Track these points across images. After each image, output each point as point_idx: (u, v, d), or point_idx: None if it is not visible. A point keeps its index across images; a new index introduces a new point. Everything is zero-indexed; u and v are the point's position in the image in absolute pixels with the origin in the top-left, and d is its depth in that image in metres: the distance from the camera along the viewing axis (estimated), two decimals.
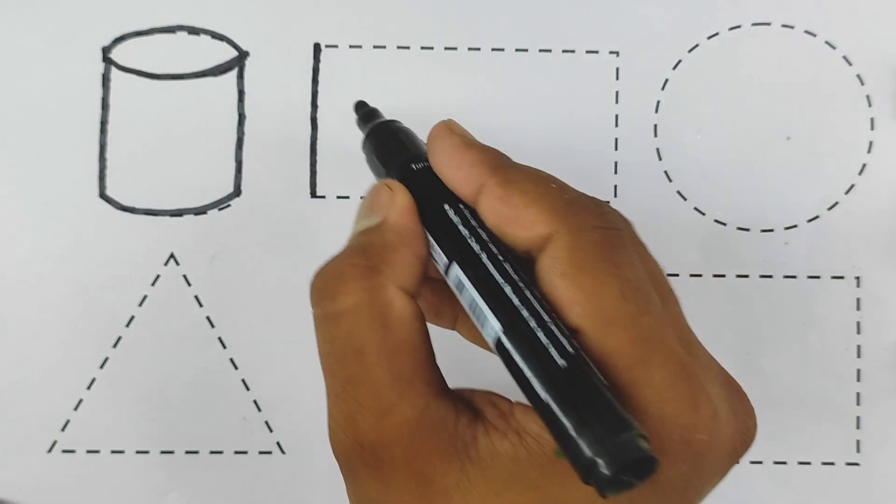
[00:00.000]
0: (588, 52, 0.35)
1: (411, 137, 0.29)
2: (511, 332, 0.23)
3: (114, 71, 0.35)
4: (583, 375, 0.22)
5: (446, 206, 0.25)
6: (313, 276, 0.25)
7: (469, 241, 0.25)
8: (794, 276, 0.35)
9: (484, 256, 0.24)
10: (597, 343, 0.22)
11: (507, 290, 0.23)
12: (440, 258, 0.25)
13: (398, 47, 0.35)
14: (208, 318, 0.35)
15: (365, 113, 0.31)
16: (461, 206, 0.25)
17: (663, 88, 0.36)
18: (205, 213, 0.35)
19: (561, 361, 0.22)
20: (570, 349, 0.22)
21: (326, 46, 0.35)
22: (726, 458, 0.24)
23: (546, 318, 0.23)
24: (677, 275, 0.35)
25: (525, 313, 0.23)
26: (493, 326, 0.23)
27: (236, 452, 0.35)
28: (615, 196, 0.35)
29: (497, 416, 0.24)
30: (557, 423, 0.22)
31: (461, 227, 0.25)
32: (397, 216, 0.26)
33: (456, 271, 0.25)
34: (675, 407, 0.22)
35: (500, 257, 0.24)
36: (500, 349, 0.23)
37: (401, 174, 0.27)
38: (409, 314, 0.24)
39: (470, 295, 0.24)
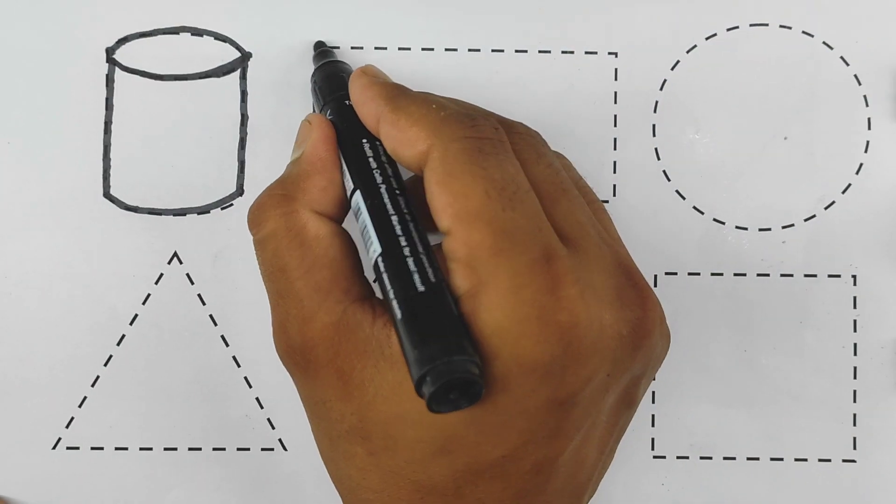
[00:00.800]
0: (587, 52, 0.36)
1: (338, 74, 0.32)
2: (386, 256, 0.26)
3: (117, 72, 0.35)
4: (436, 302, 0.24)
5: (363, 141, 0.29)
6: (251, 206, 0.29)
7: (374, 172, 0.28)
8: (791, 275, 0.36)
9: (383, 188, 0.27)
10: (464, 239, 0.25)
11: (394, 219, 0.26)
12: (348, 185, 0.28)
13: (399, 48, 0.36)
14: (211, 317, 0.35)
15: (321, 52, 0.34)
16: (377, 142, 0.29)
17: (661, 89, 0.36)
18: (208, 212, 0.35)
19: (420, 287, 0.25)
20: (433, 279, 0.25)
21: (328, 48, 0.35)
22: (612, 344, 0.25)
23: (420, 249, 0.26)
24: (676, 273, 0.36)
25: (402, 241, 0.26)
26: (374, 249, 0.26)
27: (239, 449, 0.35)
28: (614, 195, 0.36)
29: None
30: (402, 339, 0.24)
31: (371, 161, 0.28)
32: (312, 147, 0.29)
33: (357, 198, 0.28)
34: (533, 290, 0.24)
35: (397, 192, 0.27)
36: (376, 270, 0.26)
37: (335, 108, 0.30)
38: (325, 232, 0.28)
39: (363, 220, 0.27)
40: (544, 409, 0.25)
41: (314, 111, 0.32)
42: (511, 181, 0.25)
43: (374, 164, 0.28)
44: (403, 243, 0.26)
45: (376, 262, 0.26)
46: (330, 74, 0.32)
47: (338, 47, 0.35)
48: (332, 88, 0.32)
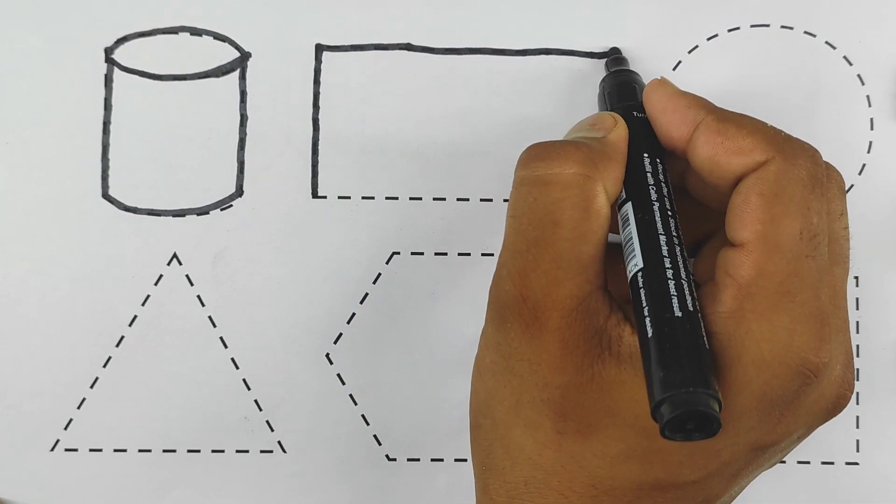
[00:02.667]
0: (587, 53, 0.36)
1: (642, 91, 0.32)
2: (647, 273, 0.26)
3: (116, 72, 0.35)
4: (689, 331, 0.24)
5: (645, 155, 0.28)
6: (531, 145, 0.28)
7: (650, 188, 0.27)
8: None
9: (656, 206, 0.27)
10: (758, 262, 0.25)
11: (662, 239, 0.26)
12: (621, 196, 0.28)
13: (399, 48, 0.35)
14: (210, 318, 0.35)
15: (615, 58, 0.35)
16: (658, 160, 0.28)
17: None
18: (207, 213, 0.35)
19: (678, 312, 0.25)
20: (690, 308, 0.25)
21: (328, 47, 0.35)
22: (822, 411, 0.27)
23: (683, 275, 0.26)
24: None
25: (667, 263, 0.26)
26: (636, 263, 0.26)
27: (238, 451, 0.35)
28: None
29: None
30: (649, 359, 0.24)
31: (649, 176, 0.28)
32: (617, 139, 0.28)
33: (627, 209, 0.27)
34: (802, 340, 0.25)
35: (669, 213, 0.27)
36: (633, 283, 0.26)
37: (622, 115, 0.30)
38: (606, 214, 0.27)
39: (629, 231, 0.27)
40: (748, 450, 0.26)
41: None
42: (822, 231, 0.26)
43: (651, 181, 0.28)
44: (668, 265, 0.26)
45: (635, 275, 0.26)
46: (622, 83, 0.33)
47: (626, 58, 0.35)
48: (621, 97, 0.32)
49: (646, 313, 0.25)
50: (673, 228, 0.27)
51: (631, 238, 0.27)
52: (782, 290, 0.25)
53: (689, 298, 0.25)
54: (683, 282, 0.25)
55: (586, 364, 0.26)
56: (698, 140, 0.27)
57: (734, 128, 0.27)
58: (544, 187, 0.27)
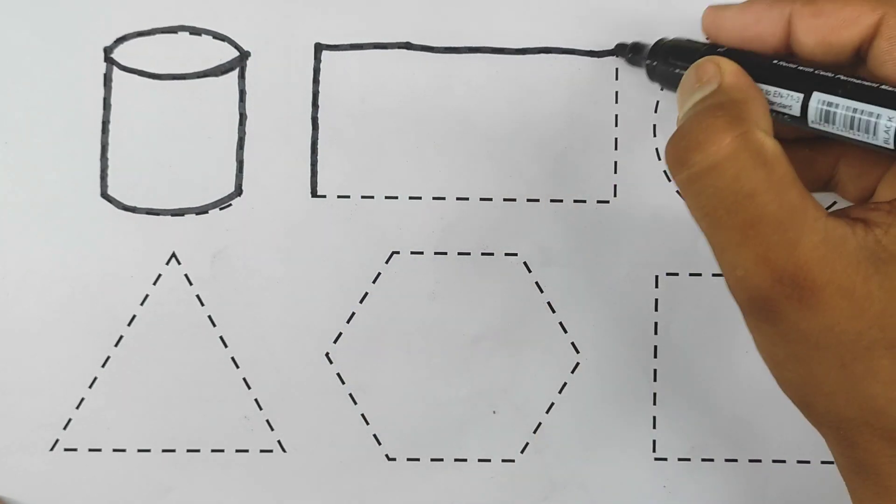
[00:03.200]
0: (588, 52, 0.36)
1: (689, 40, 0.31)
2: None
3: (115, 71, 0.35)
4: None
5: (775, 61, 0.27)
6: (670, 143, 0.26)
7: (816, 71, 0.26)
8: None
9: (841, 76, 0.26)
10: None
11: (885, 85, 0.25)
12: (790, 101, 0.27)
13: (399, 47, 0.35)
14: (210, 318, 0.35)
15: (633, 45, 0.34)
16: (781, 59, 0.27)
17: (663, 89, 0.36)
18: (206, 212, 0.35)
19: None
20: None
21: (327, 47, 0.35)
22: None
23: None
24: (677, 273, 0.36)
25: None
26: (886, 121, 0.25)
27: (237, 451, 0.35)
28: (615, 195, 0.36)
29: (885, 214, 0.25)
30: None
31: (801, 67, 0.27)
32: (732, 77, 0.27)
33: (819, 99, 0.26)
34: None
35: (853, 75, 0.26)
36: None
37: (703, 51, 0.29)
38: (780, 150, 0.25)
39: (846, 112, 0.26)
40: None
41: (680, 66, 0.31)
42: None
43: (808, 68, 0.27)
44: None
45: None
46: (674, 47, 0.32)
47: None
48: (690, 51, 0.30)
49: None
50: (867, 81, 0.26)
51: (855, 113, 0.26)
52: None
53: None
54: None
55: (874, 288, 0.24)
56: (798, 30, 0.27)
57: (828, 4, 0.27)
58: (715, 172, 0.25)
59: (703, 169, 0.25)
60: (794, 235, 0.24)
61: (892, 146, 0.25)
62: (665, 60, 0.32)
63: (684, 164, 0.26)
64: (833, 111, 0.26)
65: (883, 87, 0.26)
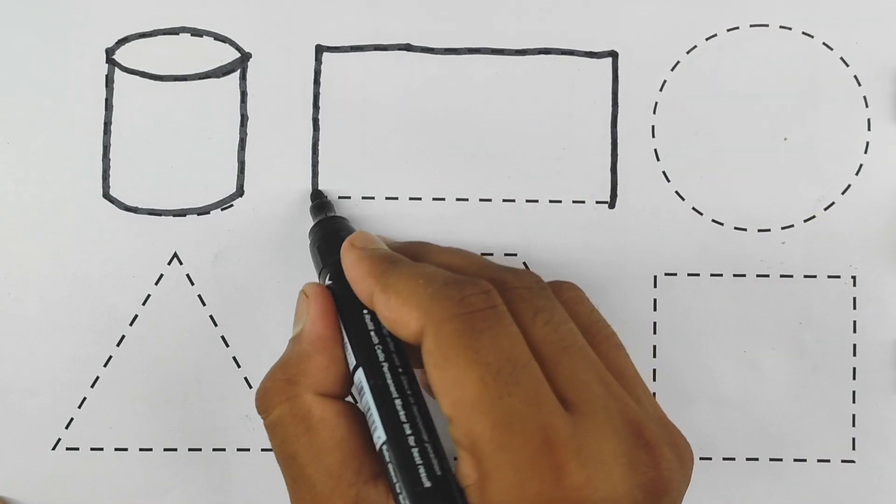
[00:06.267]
0: (586, 53, 0.36)
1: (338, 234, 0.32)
2: (392, 445, 0.25)
3: (117, 72, 0.35)
4: (442, 499, 0.24)
5: (364, 312, 0.28)
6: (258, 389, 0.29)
7: (377, 349, 0.27)
8: (790, 276, 0.36)
9: (386, 367, 0.27)
10: (465, 430, 0.24)
11: (398, 403, 0.26)
12: (350, 360, 0.28)
13: (399, 49, 0.36)
14: (211, 317, 0.35)
15: (318, 204, 0.34)
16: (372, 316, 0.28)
17: (661, 90, 0.36)
18: (208, 213, 0.35)
19: (427, 483, 0.25)
20: (439, 471, 0.25)
21: (328, 48, 0.35)
22: None
23: (425, 437, 0.25)
24: (675, 274, 0.36)
25: (407, 430, 0.25)
26: (379, 436, 0.26)
27: (239, 450, 0.35)
28: (614, 196, 0.36)
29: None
30: None
31: (372, 335, 0.28)
32: (311, 325, 0.29)
33: (360, 376, 0.27)
34: (538, 483, 0.23)
35: (400, 370, 0.27)
36: (381, 457, 0.26)
37: (334, 272, 0.30)
38: (331, 414, 0.27)
39: (367, 401, 0.27)
40: None
41: (316, 267, 0.32)
42: (507, 361, 0.25)
43: (375, 339, 0.27)
44: (408, 431, 0.25)
45: (381, 448, 0.26)
46: (329, 233, 0.32)
47: (330, 202, 0.34)
48: (331, 250, 0.31)
49: (398, 489, 0.25)
50: (406, 386, 0.26)
51: (369, 408, 0.26)
52: (496, 444, 0.24)
53: (435, 463, 0.25)
54: (427, 445, 0.25)
55: None
56: (377, 312, 0.27)
57: (394, 298, 0.26)
58: (271, 433, 0.28)
59: (266, 426, 0.28)
60: (324, 499, 0.26)
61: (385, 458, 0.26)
62: (315, 245, 0.33)
63: (261, 413, 0.29)
64: (363, 394, 0.27)
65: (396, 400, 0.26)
